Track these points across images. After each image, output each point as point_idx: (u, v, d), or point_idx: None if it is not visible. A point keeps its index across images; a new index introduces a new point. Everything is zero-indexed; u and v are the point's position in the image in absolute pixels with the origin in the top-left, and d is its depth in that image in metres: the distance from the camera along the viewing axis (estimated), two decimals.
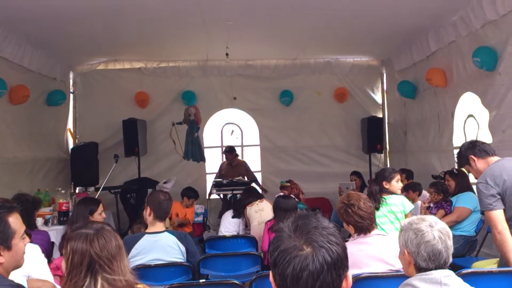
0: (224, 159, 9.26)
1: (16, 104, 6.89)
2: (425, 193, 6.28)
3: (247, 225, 6.29)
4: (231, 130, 10.15)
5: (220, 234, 6.22)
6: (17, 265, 2.27)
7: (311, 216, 1.47)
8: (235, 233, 6.09)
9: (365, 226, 3.32)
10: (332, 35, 7.66)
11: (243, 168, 9.08)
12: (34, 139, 7.68)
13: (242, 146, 10.19)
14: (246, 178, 8.68)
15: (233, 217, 6.25)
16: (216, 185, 8.17)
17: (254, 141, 10.12)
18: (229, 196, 7.59)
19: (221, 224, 6.41)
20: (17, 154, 7.06)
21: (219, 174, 9.01)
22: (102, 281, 2.06)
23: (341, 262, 1.38)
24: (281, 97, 9.72)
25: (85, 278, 2.07)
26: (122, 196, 8.47)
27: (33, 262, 3.30)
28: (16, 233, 2.21)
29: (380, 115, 9.85)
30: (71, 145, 9.24)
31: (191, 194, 7.15)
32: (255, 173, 9.58)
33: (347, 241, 3.43)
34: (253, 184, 8.26)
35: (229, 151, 8.98)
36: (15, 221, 2.23)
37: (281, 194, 6.32)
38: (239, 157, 9.34)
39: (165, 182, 8.09)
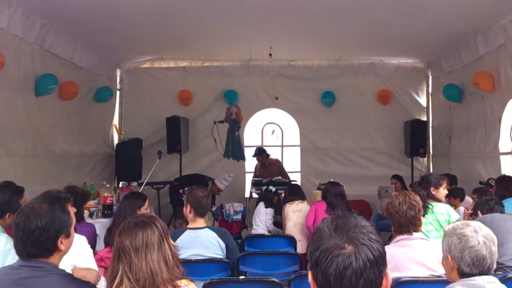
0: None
1: (65, 100, 7.13)
2: (468, 199, 6.13)
3: (275, 220, 6.34)
4: (271, 130, 10.18)
5: (254, 224, 6.27)
6: (68, 251, 2.38)
7: (349, 215, 1.49)
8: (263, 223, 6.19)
9: (390, 223, 3.38)
10: (376, 37, 7.57)
11: (277, 167, 9.10)
12: (82, 134, 7.94)
13: (282, 146, 10.21)
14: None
15: (266, 207, 6.32)
16: (255, 184, 8.25)
17: (295, 141, 10.11)
18: (263, 188, 7.57)
19: (255, 216, 6.49)
20: (66, 148, 7.32)
21: (255, 176, 9.07)
22: (125, 270, 2.15)
23: (382, 259, 1.40)
24: (323, 98, 9.67)
25: (118, 266, 2.18)
26: (173, 191, 8.63)
27: (80, 252, 3.42)
28: (73, 221, 2.33)
29: (424, 118, 9.65)
30: (116, 141, 9.51)
31: None
32: (294, 174, 9.60)
33: (388, 244, 3.41)
34: None
35: (259, 154, 9.02)
36: (71, 209, 2.34)
37: (331, 180, 6.39)
38: (271, 156, 9.34)
39: (229, 176, 8.32)
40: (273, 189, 6.65)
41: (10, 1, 5.36)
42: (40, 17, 6.03)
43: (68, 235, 2.27)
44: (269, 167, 8.94)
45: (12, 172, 5.75)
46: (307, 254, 1.50)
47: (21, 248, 2.20)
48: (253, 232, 6.14)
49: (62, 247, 2.24)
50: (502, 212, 4.00)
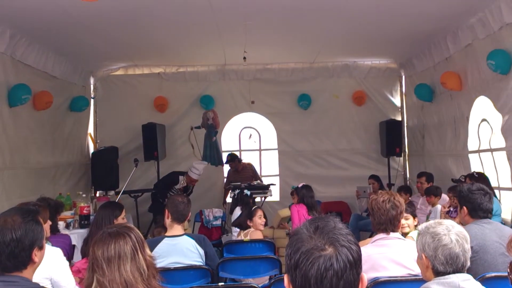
0: (244, 161, 9.31)
1: (39, 110, 7.02)
2: (444, 196, 6.23)
3: None
4: (249, 134, 10.18)
5: (233, 230, 6.23)
6: (40, 264, 2.34)
7: (327, 217, 1.49)
8: None
9: (375, 223, 3.39)
10: (349, 38, 7.63)
11: (250, 170, 9.12)
12: (57, 144, 7.82)
13: (260, 150, 10.22)
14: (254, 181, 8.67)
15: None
16: (235, 189, 8.20)
17: (272, 145, 10.13)
18: (236, 192, 7.41)
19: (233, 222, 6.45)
20: (41, 160, 7.20)
21: (228, 182, 9.04)
22: (99, 281, 2.15)
23: (359, 261, 1.41)
24: (299, 101, 9.71)
25: (92, 276, 2.18)
26: (155, 197, 8.53)
27: (55, 265, 3.37)
28: (45, 232, 2.30)
29: (399, 118, 9.76)
30: (91, 150, 9.38)
31: None
32: (273, 177, 9.60)
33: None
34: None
35: (231, 160, 9.04)
36: (42, 221, 2.31)
37: (304, 184, 6.41)
38: (244, 161, 9.38)
39: (197, 163, 8.25)
40: (248, 192, 6.61)
41: None
42: (10, 27, 5.93)
43: (41, 247, 2.26)
44: (242, 172, 8.94)
45: None
46: (285, 257, 1.48)
47: None
48: (234, 238, 6.07)
49: (36, 259, 2.23)
50: (491, 201, 3.69)
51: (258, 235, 5.32)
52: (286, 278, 1.46)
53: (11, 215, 2.23)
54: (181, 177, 8.18)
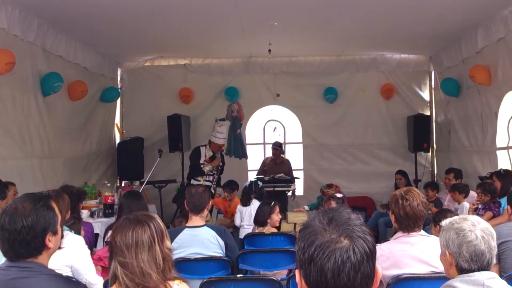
0: (268, 155, 9.21)
1: (75, 100, 7.18)
2: (472, 193, 6.06)
3: None
4: (273, 127, 10.11)
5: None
6: (56, 249, 2.34)
7: (340, 209, 1.44)
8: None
9: (405, 224, 3.17)
10: (378, 32, 7.50)
11: (286, 167, 8.94)
12: (89, 134, 8.02)
13: (284, 143, 10.13)
14: None
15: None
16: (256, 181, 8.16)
17: (297, 138, 10.05)
18: (247, 184, 7.11)
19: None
20: (75, 150, 7.40)
21: (262, 170, 8.97)
22: (119, 265, 2.14)
23: (375, 252, 1.37)
24: (325, 94, 9.60)
25: (113, 261, 2.17)
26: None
27: (76, 253, 3.41)
28: (59, 217, 2.29)
29: (428, 113, 9.55)
30: (117, 140, 9.50)
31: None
32: (297, 171, 9.53)
33: (388, 240, 3.35)
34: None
35: (280, 146, 8.87)
36: (56, 206, 2.30)
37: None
38: (284, 156, 9.27)
39: (219, 125, 7.93)
40: (260, 184, 6.54)
41: (6, 2, 5.32)
42: (37, 16, 6.01)
43: (55, 232, 2.24)
44: (279, 165, 8.79)
45: (31, 174, 5.78)
46: (297, 251, 1.41)
47: (8, 250, 2.16)
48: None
49: (50, 244, 2.21)
50: None
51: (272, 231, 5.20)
52: (297, 273, 1.40)
53: (22, 202, 2.21)
54: (202, 149, 7.94)
